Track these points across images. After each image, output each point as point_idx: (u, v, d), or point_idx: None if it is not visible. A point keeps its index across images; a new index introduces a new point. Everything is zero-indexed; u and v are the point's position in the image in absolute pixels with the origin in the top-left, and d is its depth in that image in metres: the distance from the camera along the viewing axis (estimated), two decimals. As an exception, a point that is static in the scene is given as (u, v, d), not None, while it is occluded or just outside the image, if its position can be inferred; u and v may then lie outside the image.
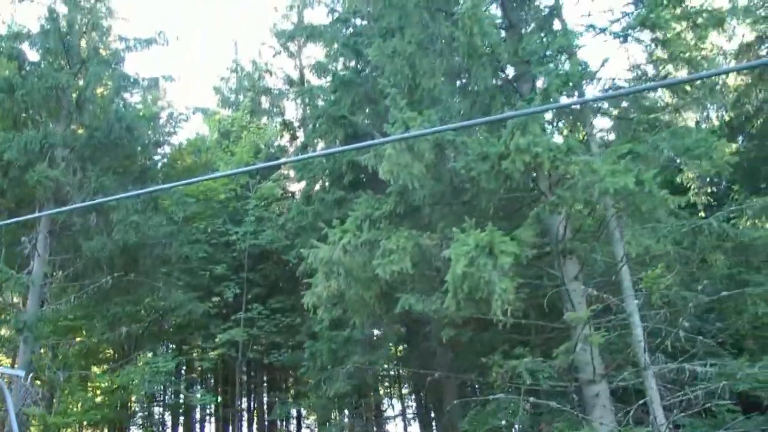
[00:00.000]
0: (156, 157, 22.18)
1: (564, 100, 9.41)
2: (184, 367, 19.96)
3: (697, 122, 13.29)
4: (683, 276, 10.43)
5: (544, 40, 10.19)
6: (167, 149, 22.23)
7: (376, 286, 9.24)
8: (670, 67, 10.33)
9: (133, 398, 17.30)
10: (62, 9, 17.07)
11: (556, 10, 10.83)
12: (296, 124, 23.89)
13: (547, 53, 9.72)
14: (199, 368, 20.13)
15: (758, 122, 14.17)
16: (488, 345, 10.82)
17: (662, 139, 9.10)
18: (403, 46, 10.14)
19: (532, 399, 9.27)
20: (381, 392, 20.06)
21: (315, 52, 38.20)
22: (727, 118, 14.39)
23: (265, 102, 25.65)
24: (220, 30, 52.12)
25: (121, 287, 17.37)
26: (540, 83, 9.93)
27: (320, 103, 16.24)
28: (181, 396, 19.06)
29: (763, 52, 13.16)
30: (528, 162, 8.22)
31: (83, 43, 19.00)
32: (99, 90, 18.01)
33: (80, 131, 17.23)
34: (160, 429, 19.45)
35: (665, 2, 9.56)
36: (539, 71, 9.28)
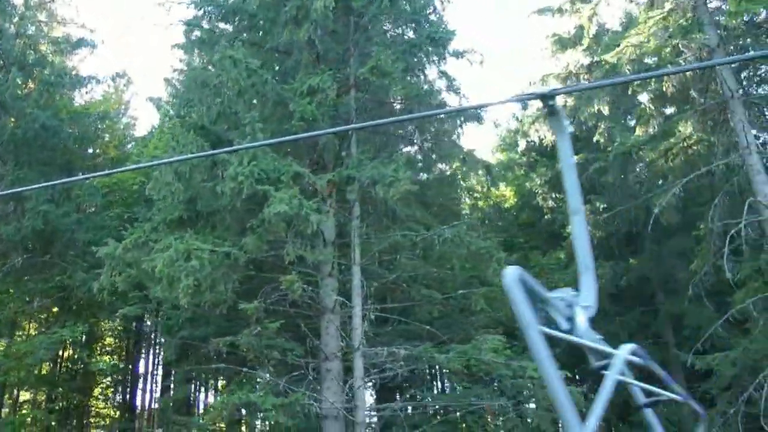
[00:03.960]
0: (93, 150, 25.56)
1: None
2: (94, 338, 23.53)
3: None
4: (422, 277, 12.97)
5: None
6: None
7: (147, 277, 12.06)
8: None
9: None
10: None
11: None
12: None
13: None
14: (110, 338, 23.70)
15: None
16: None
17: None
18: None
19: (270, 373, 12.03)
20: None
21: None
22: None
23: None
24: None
25: (37, 267, 20.75)
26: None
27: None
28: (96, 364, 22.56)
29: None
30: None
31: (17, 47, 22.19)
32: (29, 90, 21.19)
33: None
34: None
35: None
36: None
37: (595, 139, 16.12)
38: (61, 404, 23.70)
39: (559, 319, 1.97)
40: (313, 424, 11.91)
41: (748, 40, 12.39)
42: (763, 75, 12.45)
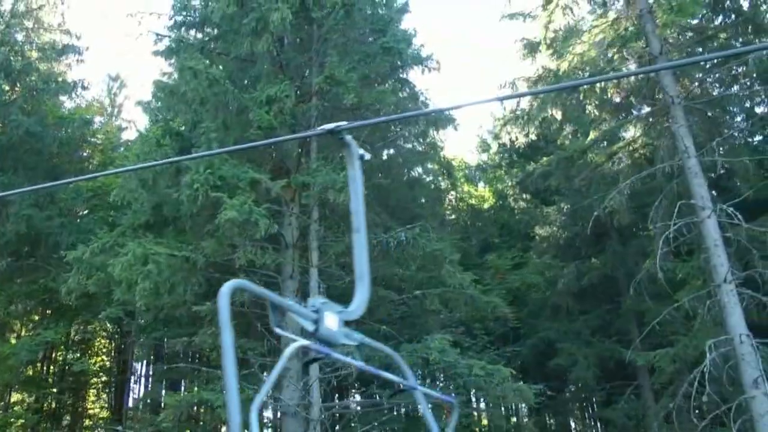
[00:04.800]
0: (81, 154, 26.30)
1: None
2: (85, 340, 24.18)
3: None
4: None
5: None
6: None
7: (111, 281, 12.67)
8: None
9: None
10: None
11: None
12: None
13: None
14: (102, 340, 24.40)
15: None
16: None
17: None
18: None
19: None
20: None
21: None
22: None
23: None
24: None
25: (22, 270, 21.46)
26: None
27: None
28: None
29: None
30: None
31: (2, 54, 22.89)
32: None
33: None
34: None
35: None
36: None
37: (558, 142, 16.64)
38: (51, 405, 24.39)
39: (303, 321, 2.53)
40: (274, 421, 12.49)
41: (699, 49, 12.88)
42: (705, 80, 12.92)
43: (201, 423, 11.91)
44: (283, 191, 11.96)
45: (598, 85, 12.31)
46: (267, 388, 2.29)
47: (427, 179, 18.90)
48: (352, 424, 12.79)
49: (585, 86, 12.50)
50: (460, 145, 56.44)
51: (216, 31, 15.70)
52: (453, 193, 25.31)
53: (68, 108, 26.35)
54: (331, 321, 2.54)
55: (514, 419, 18.15)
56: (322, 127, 3.20)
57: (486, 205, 25.03)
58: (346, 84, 12.49)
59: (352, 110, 13.81)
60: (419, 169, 17.64)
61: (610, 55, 11.98)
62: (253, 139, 12.46)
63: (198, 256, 11.90)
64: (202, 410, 11.11)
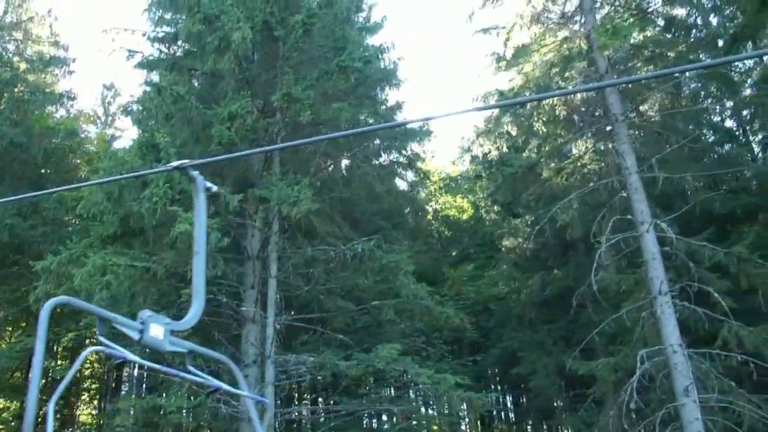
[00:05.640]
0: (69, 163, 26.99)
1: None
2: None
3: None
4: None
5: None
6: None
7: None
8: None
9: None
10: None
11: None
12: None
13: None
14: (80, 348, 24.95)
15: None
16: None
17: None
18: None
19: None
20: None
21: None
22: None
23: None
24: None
25: (7, 278, 22.12)
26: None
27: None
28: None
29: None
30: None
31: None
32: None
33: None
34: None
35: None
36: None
37: (525, 155, 17.13)
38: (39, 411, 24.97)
39: (129, 331, 3.08)
40: (230, 426, 13.00)
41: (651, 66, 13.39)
42: (648, 98, 13.41)
43: (161, 428, 12.43)
44: (247, 204, 12.50)
45: (547, 101, 12.85)
46: (62, 387, 2.86)
47: (395, 191, 19.43)
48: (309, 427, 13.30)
49: (532, 102, 13.03)
50: (446, 157, 57.00)
51: (183, 47, 16.34)
52: (433, 204, 25.91)
53: (60, 117, 27.15)
54: (157, 331, 3.09)
55: (465, 427, 18.63)
56: (170, 164, 3.78)
57: (465, 216, 25.56)
58: (302, 101, 13.07)
59: (311, 126, 14.40)
60: (387, 182, 18.19)
61: (553, 73, 12.50)
62: (216, 154, 13.09)
63: (158, 267, 12.47)
64: (160, 415, 11.62)
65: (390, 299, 13.85)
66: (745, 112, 16.99)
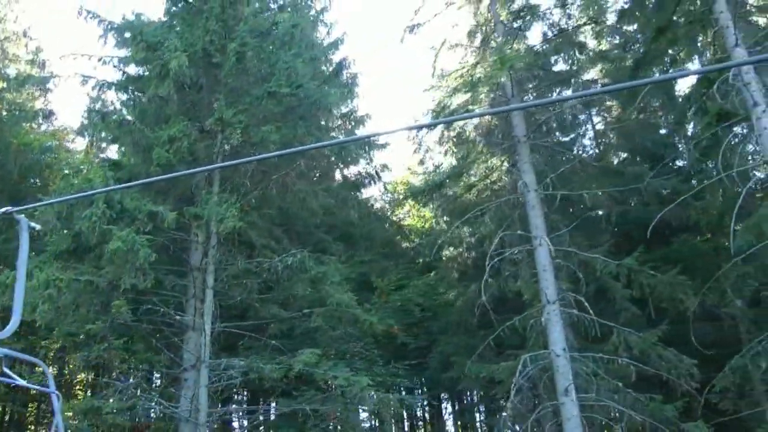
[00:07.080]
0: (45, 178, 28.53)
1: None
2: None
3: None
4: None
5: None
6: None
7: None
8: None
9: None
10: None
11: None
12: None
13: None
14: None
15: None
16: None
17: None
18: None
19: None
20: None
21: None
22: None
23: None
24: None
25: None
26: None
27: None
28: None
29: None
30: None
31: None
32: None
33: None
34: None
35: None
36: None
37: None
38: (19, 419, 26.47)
39: None
40: (170, 426, 14.37)
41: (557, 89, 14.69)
42: (547, 121, 14.68)
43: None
44: (171, 222, 13.85)
45: (457, 123, 14.18)
46: None
47: (353, 203, 20.76)
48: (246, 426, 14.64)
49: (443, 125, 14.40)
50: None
51: (139, 71, 17.76)
52: (399, 214, 27.26)
53: (43, 132, 28.77)
54: None
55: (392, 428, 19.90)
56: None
57: (427, 225, 26.85)
58: (233, 125, 14.46)
59: (250, 146, 15.77)
60: (340, 197, 19.52)
61: (461, 96, 13.81)
62: (156, 174, 14.48)
63: (100, 280, 13.86)
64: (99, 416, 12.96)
65: (318, 307, 15.18)
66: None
